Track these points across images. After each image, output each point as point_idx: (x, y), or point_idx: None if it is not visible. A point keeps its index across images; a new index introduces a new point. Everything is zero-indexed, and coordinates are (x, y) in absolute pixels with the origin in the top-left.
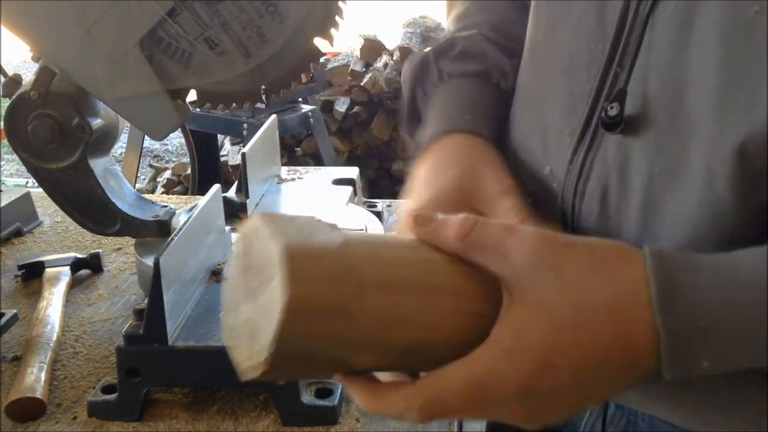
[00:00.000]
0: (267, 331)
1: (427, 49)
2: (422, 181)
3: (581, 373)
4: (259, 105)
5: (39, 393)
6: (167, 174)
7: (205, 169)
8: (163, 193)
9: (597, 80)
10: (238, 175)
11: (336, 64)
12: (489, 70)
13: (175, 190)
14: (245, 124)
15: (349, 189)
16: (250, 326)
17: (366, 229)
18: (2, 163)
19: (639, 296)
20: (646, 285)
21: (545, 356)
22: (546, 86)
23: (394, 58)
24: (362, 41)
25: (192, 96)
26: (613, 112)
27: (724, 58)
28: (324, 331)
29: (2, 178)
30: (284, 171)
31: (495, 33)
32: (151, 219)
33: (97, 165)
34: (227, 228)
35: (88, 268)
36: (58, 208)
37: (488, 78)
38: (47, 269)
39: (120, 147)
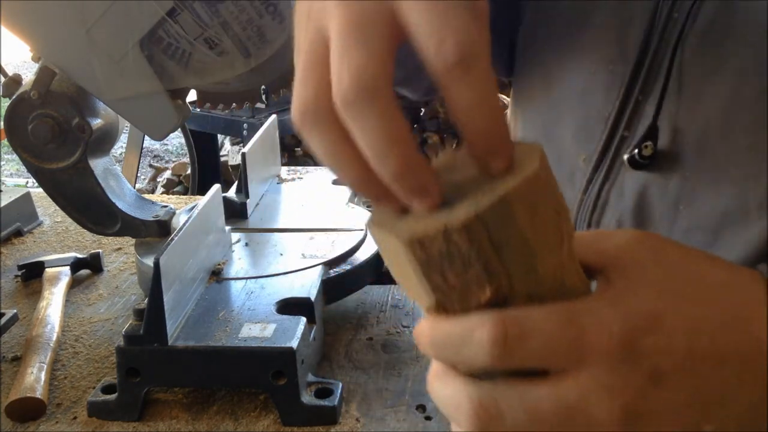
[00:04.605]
0: (492, 193)
1: None
2: None
3: (697, 341)
4: (259, 105)
5: (39, 393)
6: (167, 174)
7: (205, 169)
8: (163, 193)
9: (617, 105)
10: (238, 175)
11: None
12: None
13: (175, 190)
14: (245, 124)
15: (349, 189)
16: (457, 193)
17: (366, 229)
18: (2, 163)
19: (758, 282)
20: (762, 277)
21: (656, 311)
22: (559, 106)
23: None
24: None
25: (192, 96)
26: (647, 152)
27: (763, 90)
28: (538, 222)
29: (2, 178)
30: (284, 171)
31: None
32: (151, 219)
33: (97, 165)
34: (227, 228)
35: (88, 268)
36: (58, 208)
37: None
38: (47, 269)
39: (120, 147)
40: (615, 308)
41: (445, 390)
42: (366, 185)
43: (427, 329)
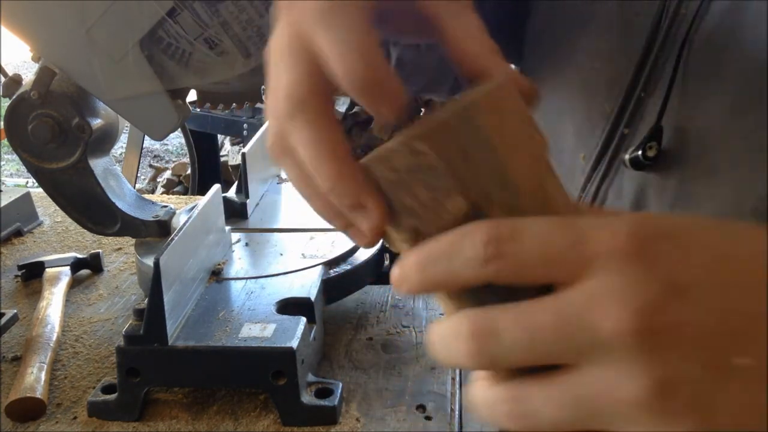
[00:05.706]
0: (463, 100)
1: None
2: None
3: (719, 262)
4: (259, 105)
5: (39, 393)
6: (167, 174)
7: (205, 169)
8: (163, 193)
9: (619, 102)
10: (238, 175)
11: None
12: None
13: (175, 190)
14: (245, 124)
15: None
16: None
17: None
18: (2, 163)
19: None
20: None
21: (666, 228)
22: (562, 101)
23: None
24: None
25: (192, 96)
26: (651, 153)
27: (764, 92)
28: (509, 130)
29: (2, 178)
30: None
31: None
32: (151, 219)
33: (97, 165)
34: (227, 228)
35: (88, 268)
36: (58, 208)
37: None
38: (47, 269)
39: (120, 147)
40: (619, 218)
41: (448, 334)
42: (325, 210)
43: (412, 256)
